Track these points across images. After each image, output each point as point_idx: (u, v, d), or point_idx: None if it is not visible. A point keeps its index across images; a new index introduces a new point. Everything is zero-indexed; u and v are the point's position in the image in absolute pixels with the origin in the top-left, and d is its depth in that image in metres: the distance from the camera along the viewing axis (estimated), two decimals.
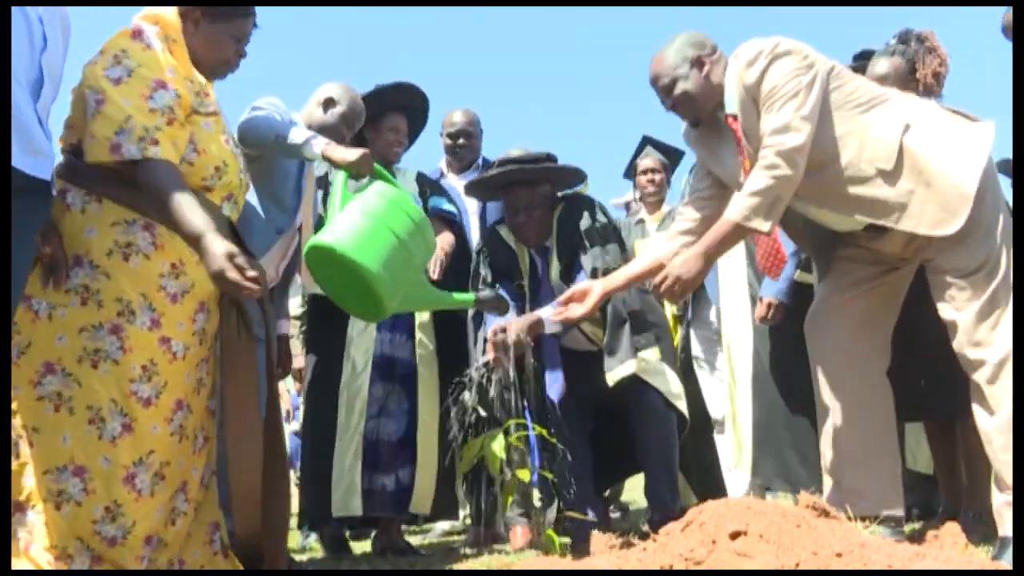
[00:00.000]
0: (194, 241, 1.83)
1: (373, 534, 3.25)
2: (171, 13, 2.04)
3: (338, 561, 2.98)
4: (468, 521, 3.65)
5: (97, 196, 1.92)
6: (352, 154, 2.32)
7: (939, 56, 2.78)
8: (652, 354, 2.90)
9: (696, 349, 3.44)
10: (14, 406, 1.82)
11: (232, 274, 1.76)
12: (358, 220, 2.13)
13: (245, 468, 2.03)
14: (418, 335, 3.13)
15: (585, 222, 2.95)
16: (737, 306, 3.20)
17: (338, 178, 2.32)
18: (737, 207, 2.22)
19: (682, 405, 2.92)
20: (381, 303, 2.13)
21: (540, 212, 2.98)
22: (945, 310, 2.19)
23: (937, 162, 2.14)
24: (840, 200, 2.25)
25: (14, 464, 1.80)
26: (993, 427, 2.10)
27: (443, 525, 4.03)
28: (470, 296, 2.57)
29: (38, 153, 1.70)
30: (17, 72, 1.65)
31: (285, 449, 2.19)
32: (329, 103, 2.86)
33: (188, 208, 1.84)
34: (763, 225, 2.18)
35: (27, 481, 1.80)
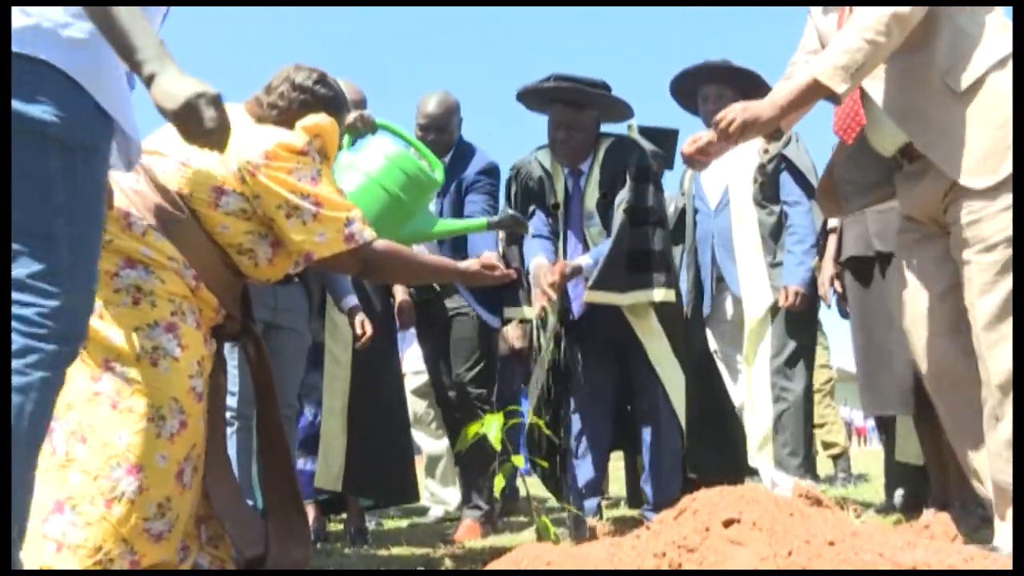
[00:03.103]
0: (454, 276, 2.42)
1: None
2: (328, 122, 2.07)
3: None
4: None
5: (162, 231, 1.93)
6: (349, 119, 2.56)
7: None
8: (669, 295, 2.98)
9: (713, 344, 3.41)
10: (71, 401, 1.78)
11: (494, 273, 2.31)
12: (352, 177, 2.38)
13: (220, 483, 2.04)
14: (328, 311, 3.16)
15: (632, 160, 3.03)
16: (757, 295, 3.22)
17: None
18: (821, 62, 1.98)
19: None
20: None
21: (581, 135, 3.04)
22: (967, 293, 1.96)
23: (1002, 111, 1.90)
24: (899, 101, 2.04)
25: (62, 461, 1.76)
26: (999, 440, 1.90)
27: (437, 511, 4.06)
28: (482, 220, 2.62)
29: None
30: None
31: (285, 443, 2.18)
32: None
33: (426, 259, 2.39)
34: (840, 87, 1.94)
35: (73, 479, 1.76)
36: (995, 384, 1.87)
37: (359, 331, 3.01)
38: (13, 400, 1.31)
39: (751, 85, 3.18)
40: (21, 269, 1.34)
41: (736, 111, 2.01)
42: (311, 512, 3.17)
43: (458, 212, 3.29)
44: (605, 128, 3.17)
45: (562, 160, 3.09)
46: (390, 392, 3.31)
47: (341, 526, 3.43)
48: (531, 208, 3.15)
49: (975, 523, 2.53)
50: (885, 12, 1.91)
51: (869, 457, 7.97)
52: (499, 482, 2.76)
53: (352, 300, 3.05)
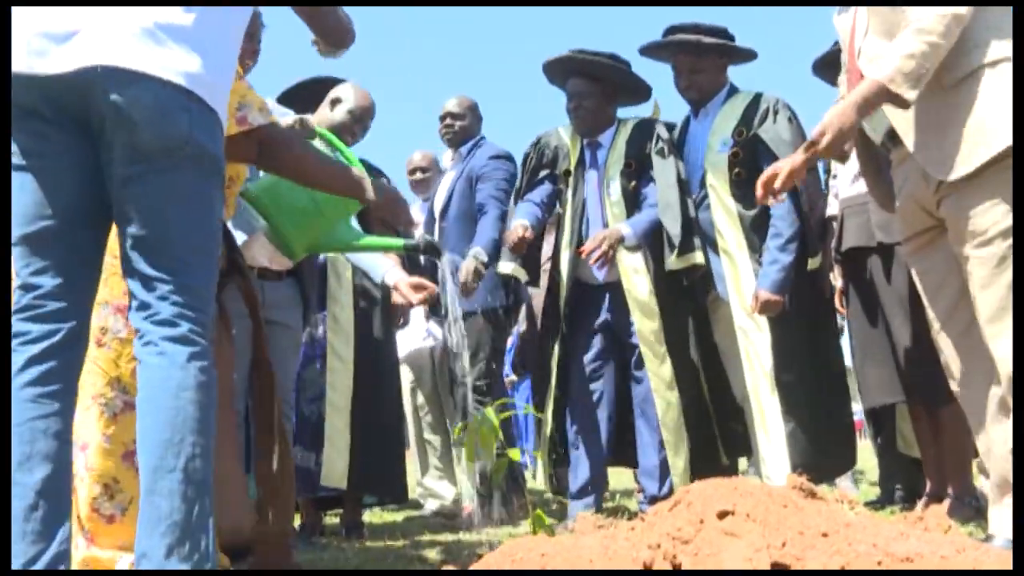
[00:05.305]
0: (357, 192, 2.07)
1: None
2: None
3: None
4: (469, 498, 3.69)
5: None
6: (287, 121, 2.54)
7: None
8: (700, 257, 3.04)
9: (717, 335, 3.22)
10: None
11: (389, 200, 2.10)
12: (279, 180, 2.31)
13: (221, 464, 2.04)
14: (329, 307, 3.15)
15: (660, 133, 3.15)
16: (746, 299, 2.95)
17: None
18: (887, 67, 1.92)
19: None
20: (288, 247, 2.29)
21: (591, 103, 3.18)
22: (969, 286, 1.96)
23: (983, 109, 1.90)
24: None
25: None
26: (1007, 431, 1.90)
27: (432, 504, 4.06)
28: (399, 241, 2.60)
29: None
30: None
31: (282, 426, 2.18)
32: (335, 102, 3.03)
33: (326, 160, 2.14)
34: (909, 93, 1.90)
35: None
36: (1004, 375, 1.87)
37: (402, 301, 2.92)
38: (203, 394, 1.50)
39: (723, 52, 3.12)
40: (194, 280, 1.55)
41: (820, 131, 1.94)
42: (307, 507, 3.17)
43: (469, 204, 3.32)
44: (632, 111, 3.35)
45: (577, 129, 3.24)
46: (389, 388, 3.31)
47: (337, 520, 3.43)
48: (542, 174, 3.28)
49: (969, 514, 2.54)
50: (945, 13, 1.88)
51: (865, 452, 7.95)
52: (496, 475, 2.79)
53: (396, 273, 2.91)
